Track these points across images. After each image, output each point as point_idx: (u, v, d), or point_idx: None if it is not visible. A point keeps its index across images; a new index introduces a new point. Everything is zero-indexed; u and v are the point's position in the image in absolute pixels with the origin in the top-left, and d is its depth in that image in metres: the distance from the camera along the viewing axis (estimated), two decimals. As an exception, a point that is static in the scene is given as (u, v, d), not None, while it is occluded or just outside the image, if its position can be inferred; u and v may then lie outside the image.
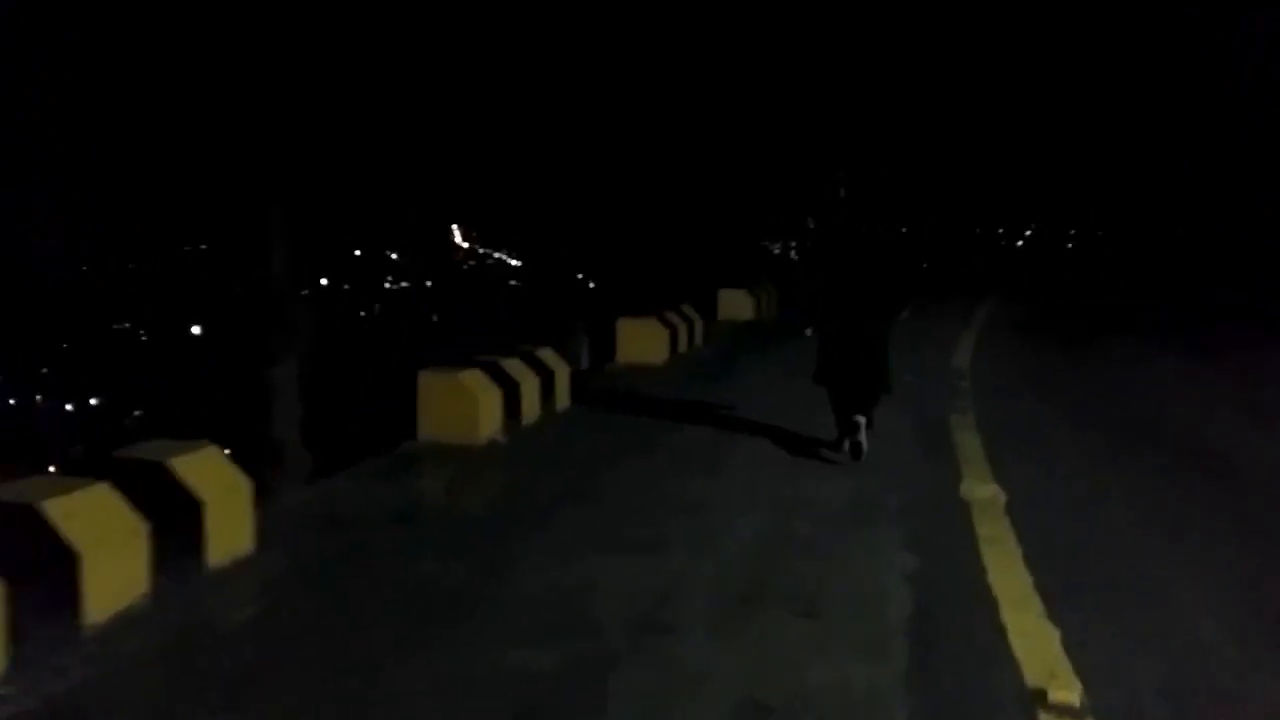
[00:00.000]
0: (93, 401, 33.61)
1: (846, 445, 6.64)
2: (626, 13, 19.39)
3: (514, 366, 7.96)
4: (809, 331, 6.98)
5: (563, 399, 8.64)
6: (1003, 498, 5.79)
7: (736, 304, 15.36)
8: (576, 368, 11.14)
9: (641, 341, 11.36)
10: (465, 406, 7.20)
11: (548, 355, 8.64)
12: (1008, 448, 7.05)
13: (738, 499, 5.84)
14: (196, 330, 36.46)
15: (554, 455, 7.03)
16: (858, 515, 5.51)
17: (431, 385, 7.30)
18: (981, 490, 5.95)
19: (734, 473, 6.56)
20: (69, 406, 33.29)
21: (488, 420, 7.32)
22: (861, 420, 6.57)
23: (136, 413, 31.30)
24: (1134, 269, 32.56)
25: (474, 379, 7.33)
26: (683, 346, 12.06)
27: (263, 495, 5.08)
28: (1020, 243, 49.74)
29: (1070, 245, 47.00)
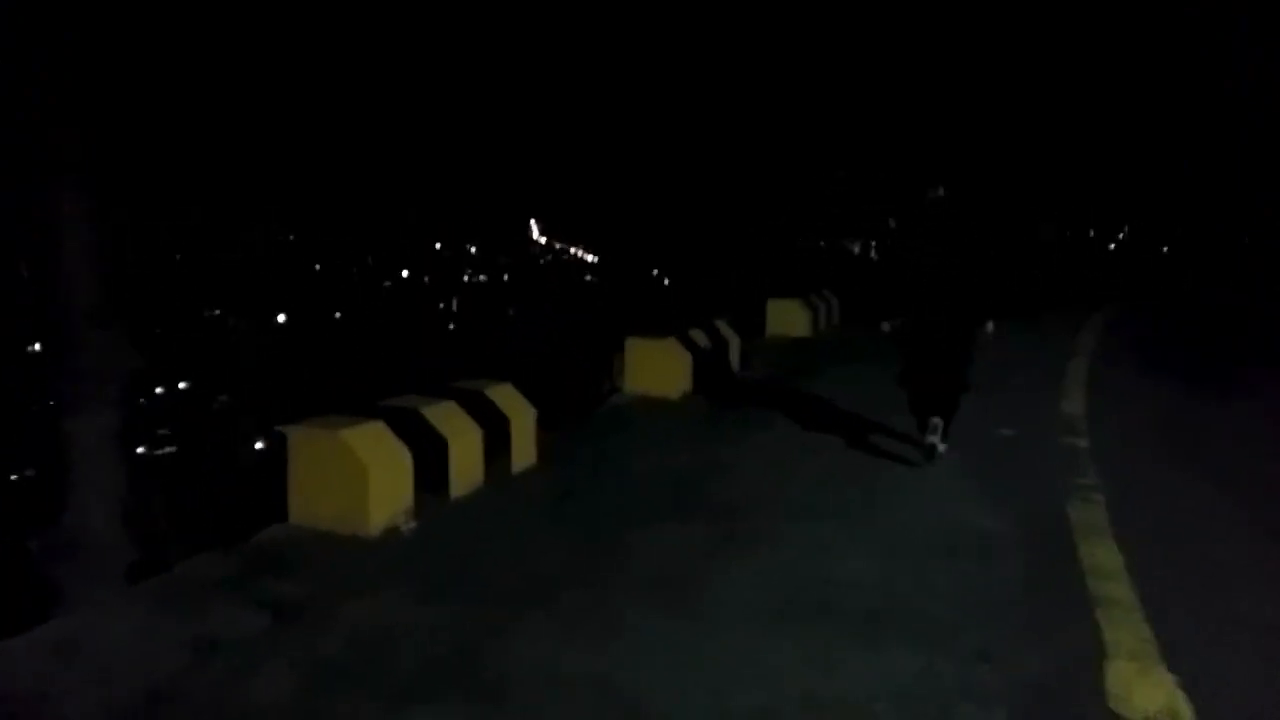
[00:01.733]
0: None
1: (926, 442, 6.36)
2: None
3: (444, 415, 5.69)
4: (886, 327, 6.68)
5: (523, 456, 6.34)
6: (1187, 713, 3.31)
7: (788, 317, 12.83)
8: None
9: (657, 368, 9.00)
10: (351, 481, 4.96)
11: (504, 394, 6.35)
12: (1169, 575, 4.53)
13: None
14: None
15: (467, 573, 4.73)
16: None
17: (309, 447, 5.07)
18: (1148, 693, 3.47)
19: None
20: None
21: (386, 500, 5.07)
22: (939, 422, 6.37)
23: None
24: (1184, 272, 30.18)
25: (368, 439, 5.08)
26: (710, 375, 9.66)
27: None
28: (1112, 247, 46.07)
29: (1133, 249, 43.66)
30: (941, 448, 6.43)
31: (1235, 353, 12.92)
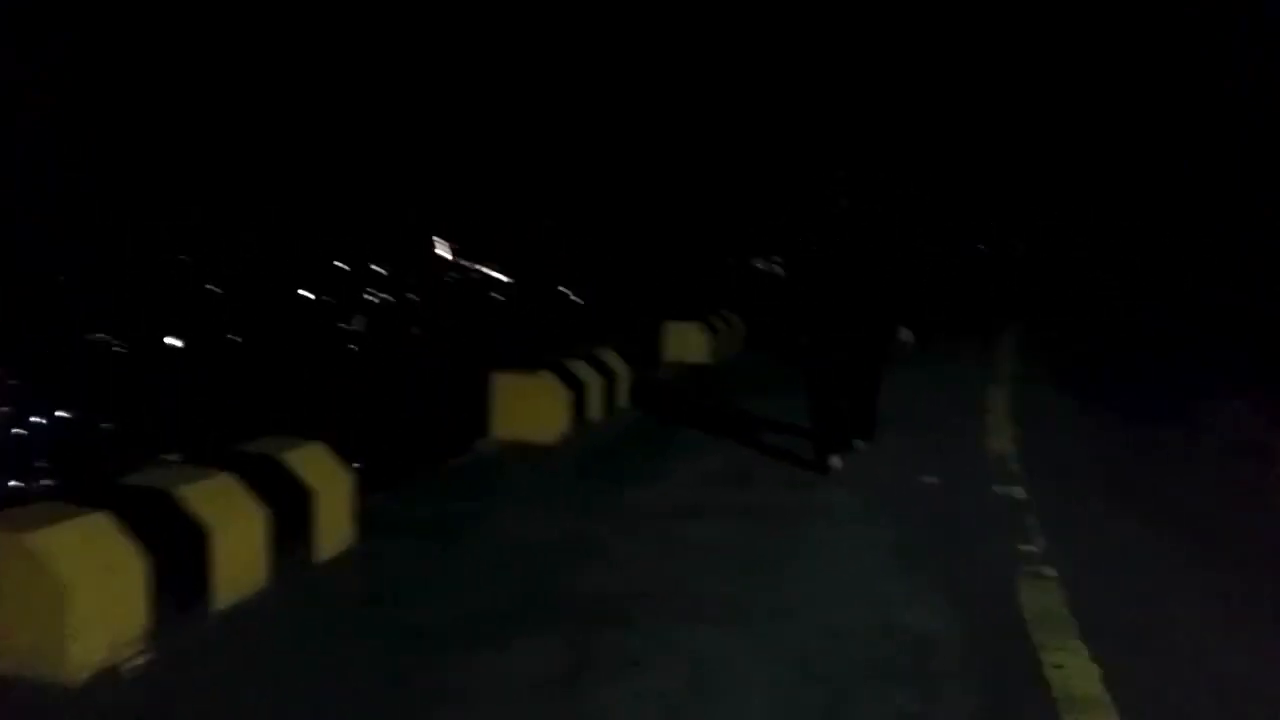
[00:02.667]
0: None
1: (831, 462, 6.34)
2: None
3: (210, 493, 4.23)
4: (804, 340, 6.44)
5: (333, 538, 4.92)
6: None
7: (688, 342, 11.64)
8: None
9: (529, 408, 7.66)
10: (44, 605, 3.49)
11: (309, 458, 4.93)
12: (1160, 693, 3.41)
13: None
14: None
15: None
16: None
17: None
18: None
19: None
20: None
21: (98, 629, 3.60)
22: (862, 445, 6.63)
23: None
24: (1150, 281, 29.61)
25: (76, 541, 3.59)
26: (595, 411, 8.38)
27: None
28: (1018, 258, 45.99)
29: (1074, 257, 43.36)
30: (838, 466, 6.38)
31: (1168, 372, 12.23)
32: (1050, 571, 4.65)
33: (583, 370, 8.35)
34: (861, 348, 6.42)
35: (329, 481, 4.94)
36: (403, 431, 7.49)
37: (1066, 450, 7.56)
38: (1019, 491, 6.13)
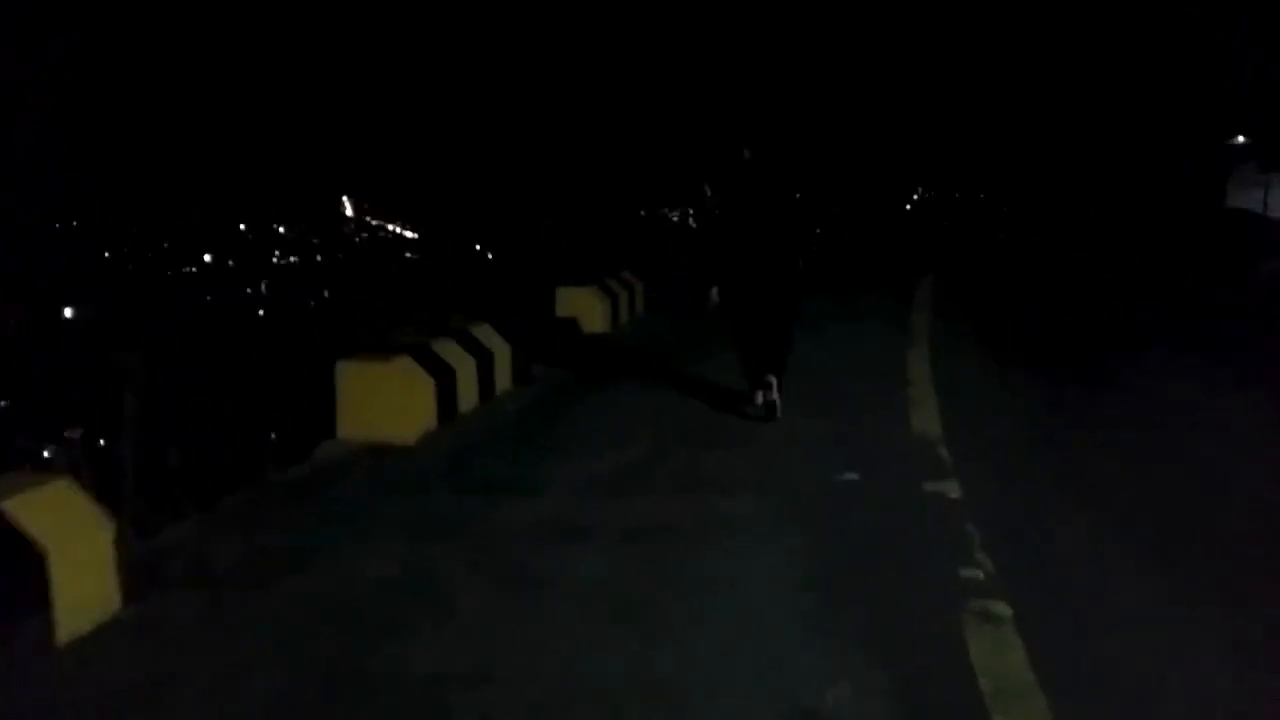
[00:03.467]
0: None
1: (760, 401, 6.64)
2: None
3: None
4: (714, 294, 6.65)
5: (78, 614, 3.72)
6: None
7: (583, 308, 10.52)
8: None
9: (384, 401, 6.49)
10: None
11: (41, 502, 3.70)
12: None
13: None
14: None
15: None
16: None
17: None
18: None
19: None
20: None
21: None
22: (773, 380, 6.58)
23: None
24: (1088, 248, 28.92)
25: None
26: (468, 400, 7.24)
27: None
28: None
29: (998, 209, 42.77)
30: (777, 399, 6.58)
31: (1088, 333, 11.59)
32: (1002, 609, 3.74)
33: (451, 352, 7.19)
34: (769, 291, 6.59)
35: (74, 532, 3.74)
36: (218, 438, 6.19)
37: (997, 425, 6.73)
38: (952, 488, 5.23)
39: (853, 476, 5.45)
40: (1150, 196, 33.17)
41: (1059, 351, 9.88)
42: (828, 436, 6.27)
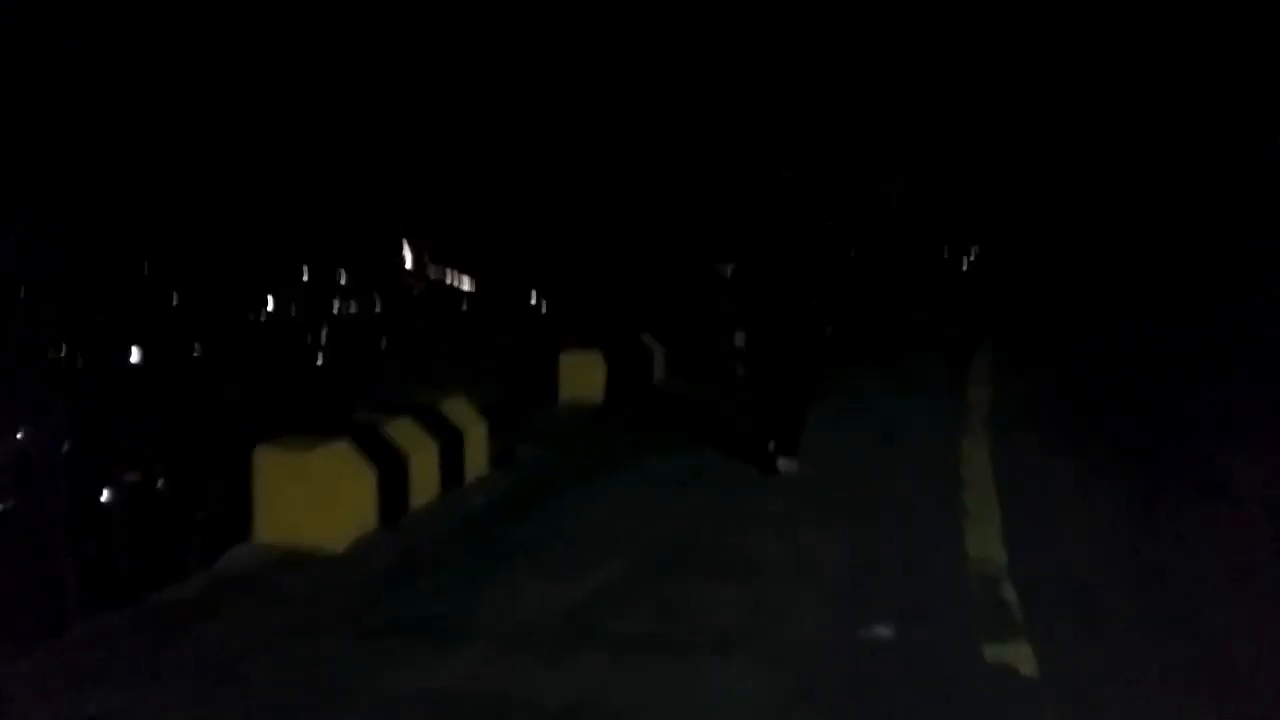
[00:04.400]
0: None
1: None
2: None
3: None
4: (739, 339, 6.26)
5: None
6: None
7: (586, 376, 9.25)
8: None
9: (307, 495, 5.28)
10: None
11: None
12: None
13: None
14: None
15: None
16: None
17: None
18: None
19: None
20: None
21: None
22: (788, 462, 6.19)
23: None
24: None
25: None
26: (424, 496, 5.99)
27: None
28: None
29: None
30: (793, 467, 6.23)
31: (1185, 418, 9.94)
32: None
33: (406, 433, 5.98)
34: (793, 350, 6.22)
35: None
36: (87, 540, 4.99)
37: (1075, 550, 5.29)
38: (1023, 656, 3.83)
39: (885, 632, 4.07)
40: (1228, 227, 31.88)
41: (1151, 441, 8.25)
42: (856, 564, 4.90)
